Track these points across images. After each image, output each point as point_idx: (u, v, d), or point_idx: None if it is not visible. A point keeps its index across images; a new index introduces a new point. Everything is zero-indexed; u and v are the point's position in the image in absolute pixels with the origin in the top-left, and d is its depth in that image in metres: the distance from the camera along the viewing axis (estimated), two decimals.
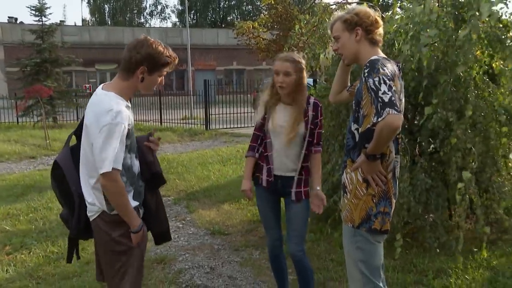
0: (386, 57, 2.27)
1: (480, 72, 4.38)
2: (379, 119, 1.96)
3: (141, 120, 16.45)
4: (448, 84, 4.07)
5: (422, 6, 4.20)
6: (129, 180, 2.26)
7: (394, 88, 2.03)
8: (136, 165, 2.32)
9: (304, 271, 3.06)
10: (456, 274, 3.63)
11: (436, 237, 4.09)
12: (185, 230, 5.04)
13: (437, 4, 4.27)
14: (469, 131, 4.06)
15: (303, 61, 2.97)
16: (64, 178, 2.32)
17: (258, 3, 51.93)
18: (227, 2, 51.20)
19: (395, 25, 4.54)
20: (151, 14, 55.81)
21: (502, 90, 4.49)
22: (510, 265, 3.78)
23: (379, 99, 1.98)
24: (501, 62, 4.50)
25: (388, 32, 4.55)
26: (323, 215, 3.96)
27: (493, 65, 4.58)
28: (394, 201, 2.28)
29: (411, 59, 4.24)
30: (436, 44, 4.42)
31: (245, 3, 51.46)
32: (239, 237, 4.82)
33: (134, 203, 2.29)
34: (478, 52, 4.34)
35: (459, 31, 4.08)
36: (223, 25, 48.10)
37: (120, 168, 2.15)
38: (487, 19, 4.11)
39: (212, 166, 8.64)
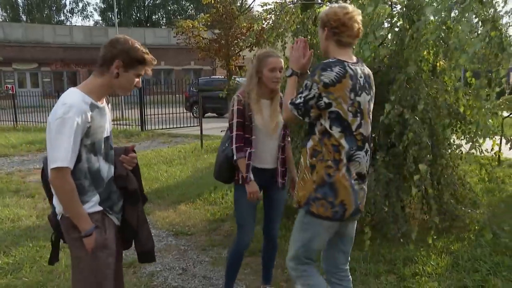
0: (344, 60, 2.33)
1: (427, 71, 4.69)
2: (288, 102, 2.38)
3: None
4: (403, 81, 4.30)
5: (373, 7, 4.40)
6: (93, 183, 2.16)
7: (315, 92, 2.28)
8: (105, 169, 2.21)
9: (275, 250, 3.41)
10: (422, 261, 3.86)
11: (398, 227, 4.31)
12: None
13: (388, 5, 4.49)
14: (422, 125, 4.33)
15: None
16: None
17: (183, 3, 51.46)
18: (152, 1, 50.16)
19: None
20: (71, 11, 53.48)
21: (448, 89, 4.84)
22: (465, 250, 4.08)
23: (298, 97, 2.35)
24: (443, 61, 4.85)
25: None
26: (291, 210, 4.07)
27: (437, 64, 4.93)
28: (346, 193, 2.34)
29: (368, 59, 4.46)
30: (385, 44, 4.68)
31: (170, 2, 50.71)
32: (203, 236, 4.76)
33: (97, 208, 2.17)
34: (424, 52, 4.64)
35: (410, 31, 4.34)
36: (148, 24, 47.08)
37: (69, 166, 2.03)
38: (432, 20, 4.43)
39: (158, 167, 8.45)
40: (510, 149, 4.56)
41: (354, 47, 4.29)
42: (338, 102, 2.27)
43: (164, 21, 51.25)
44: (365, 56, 4.23)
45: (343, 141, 2.32)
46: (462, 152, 5.01)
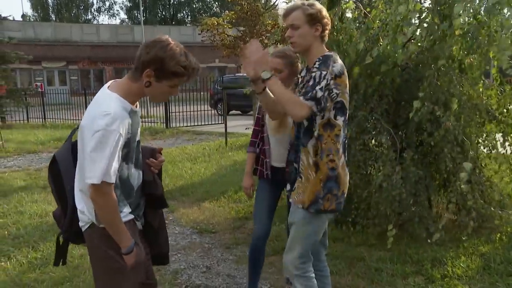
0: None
1: (456, 67, 4.57)
2: (301, 98, 2.25)
3: None
4: (433, 77, 4.19)
5: (405, 4, 4.30)
6: (124, 193, 2.01)
7: (332, 86, 2.28)
8: (135, 176, 2.07)
9: None
10: (452, 263, 3.75)
11: (425, 227, 4.21)
12: (171, 230, 4.90)
13: (419, 1, 4.38)
14: (455, 122, 4.21)
15: (294, 54, 2.95)
16: (60, 175, 2.07)
17: (208, 0, 51.69)
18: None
19: (379, 22, 4.62)
20: (98, 10, 54.40)
21: (480, 87, 4.70)
22: (497, 252, 3.95)
23: (314, 90, 2.25)
24: (471, 58, 4.70)
25: (372, 27, 4.62)
26: None
27: (466, 60, 4.77)
28: (345, 182, 2.44)
29: (396, 55, 4.35)
30: (413, 41, 4.56)
31: (195, 0, 51.01)
32: (227, 234, 4.75)
33: (129, 217, 2.05)
34: (454, 48, 4.51)
35: (441, 27, 4.22)
36: (173, 22, 47.48)
37: (112, 181, 1.87)
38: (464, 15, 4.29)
39: (183, 164, 8.48)
40: None
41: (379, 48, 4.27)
42: (343, 92, 2.35)
43: (189, 19, 51.61)
44: (400, 58, 4.12)
45: (341, 131, 2.40)
46: (491, 152, 4.87)
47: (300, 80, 2.57)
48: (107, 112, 1.83)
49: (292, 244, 2.52)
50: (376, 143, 4.58)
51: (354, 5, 4.83)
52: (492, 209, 4.41)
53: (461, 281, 3.49)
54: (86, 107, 13.44)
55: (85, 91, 16.83)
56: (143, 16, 44.67)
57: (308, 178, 2.41)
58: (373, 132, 4.52)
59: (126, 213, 2.03)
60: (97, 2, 64.43)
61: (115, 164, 1.87)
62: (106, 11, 62.67)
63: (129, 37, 32.48)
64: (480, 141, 4.72)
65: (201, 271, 3.88)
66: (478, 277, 3.54)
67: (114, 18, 77.43)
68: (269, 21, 10.20)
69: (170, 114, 14.58)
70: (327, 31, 2.44)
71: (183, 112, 14.67)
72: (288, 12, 2.44)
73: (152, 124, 14.91)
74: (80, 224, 2.04)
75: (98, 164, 1.82)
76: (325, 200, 2.38)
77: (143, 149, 2.18)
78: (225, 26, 10.03)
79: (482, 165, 4.80)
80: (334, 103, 2.34)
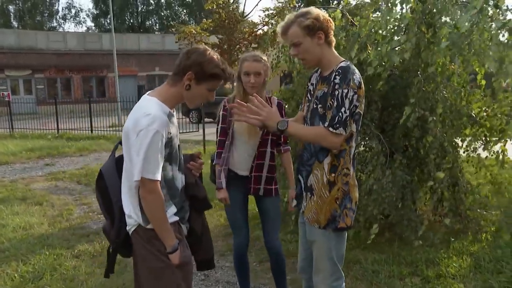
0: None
1: (440, 74, 4.74)
2: (331, 129, 2.17)
3: (69, 128, 15.65)
4: (421, 84, 4.34)
5: (396, 12, 4.45)
6: (169, 193, 2.13)
7: (356, 102, 2.19)
8: (179, 178, 2.19)
9: (280, 262, 3.20)
10: (444, 263, 3.87)
11: (414, 229, 4.33)
12: None
13: (409, 11, 4.53)
14: (441, 128, 4.38)
15: (266, 59, 3.06)
16: (107, 189, 2.18)
17: (176, 8, 51.45)
18: (145, 7, 50.10)
19: (369, 29, 4.74)
20: (64, 18, 53.10)
21: (462, 92, 4.89)
22: (485, 251, 4.11)
23: (340, 114, 2.17)
24: (453, 64, 4.89)
25: (360, 35, 4.75)
26: None
27: (447, 67, 4.96)
28: (356, 194, 2.36)
29: (383, 63, 4.47)
30: (402, 47, 4.71)
31: (163, 8, 50.70)
32: (220, 242, 4.75)
33: (174, 218, 2.15)
34: (434, 56, 4.68)
35: (428, 35, 4.39)
36: (141, 30, 47.01)
37: (158, 178, 2.01)
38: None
39: None
40: None
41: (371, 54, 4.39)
42: (361, 102, 2.25)
43: (157, 27, 51.22)
44: (395, 62, 4.21)
45: (354, 141, 2.32)
46: (469, 156, 5.08)
47: (312, 88, 2.45)
48: (147, 113, 1.98)
49: (319, 264, 2.42)
50: (366, 148, 4.70)
51: (341, 13, 4.95)
52: (478, 210, 4.58)
53: (456, 280, 3.61)
54: (56, 116, 13.12)
55: (55, 100, 16.44)
56: (113, 24, 44.17)
57: (322, 196, 2.31)
58: (363, 138, 4.64)
59: (171, 214, 2.13)
60: (62, 9, 63.15)
61: (159, 163, 1.99)
62: (72, 19, 61.38)
63: (97, 45, 31.91)
64: (462, 145, 4.91)
65: (200, 279, 3.88)
66: (471, 275, 3.68)
67: (81, 25, 75.81)
68: (246, 29, 10.26)
69: None
70: (331, 34, 2.31)
71: None
72: (284, 31, 2.31)
73: None
74: (128, 228, 2.13)
75: (143, 161, 1.95)
76: (343, 217, 2.31)
77: (184, 156, 2.28)
78: (203, 34, 10.04)
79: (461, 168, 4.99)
80: (355, 115, 2.24)
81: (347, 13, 4.99)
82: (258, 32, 10.19)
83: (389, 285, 3.59)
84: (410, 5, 4.43)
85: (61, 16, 51.50)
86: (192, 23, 37.66)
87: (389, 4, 4.69)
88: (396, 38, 4.44)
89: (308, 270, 2.59)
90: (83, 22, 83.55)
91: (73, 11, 62.70)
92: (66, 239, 4.93)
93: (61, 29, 48.88)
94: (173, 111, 2.17)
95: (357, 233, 4.48)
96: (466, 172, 5.19)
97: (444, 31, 4.18)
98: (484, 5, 4.14)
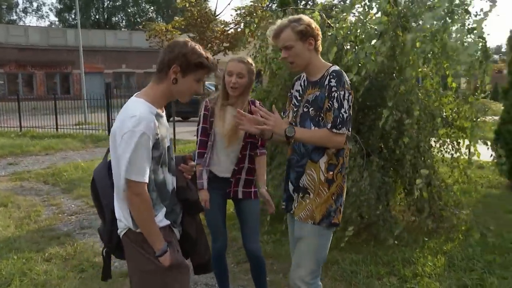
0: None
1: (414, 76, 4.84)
2: (334, 130, 2.28)
3: (33, 126, 15.17)
4: (398, 87, 4.41)
5: (371, 15, 4.51)
6: (160, 196, 2.08)
7: (351, 103, 2.32)
8: (169, 180, 2.15)
9: (260, 265, 3.19)
10: (420, 262, 3.95)
11: (390, 230, 4.40)
12: None
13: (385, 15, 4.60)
14: (416, 129, 4.46)
15: (251, 62, 3.03)
16: (98, 192, 2.14)
17: (143, 5, 50.70)
18: (111, 3, 49.10)
19: (346, 32, 4.78)
20: (25, 11, 51.51)
21: (433, 94, 5.00)
22: (458, 250, 4.22)
23: (341, 114, 2.28)
24: (425, 67, 5.00)
25: (337, 37, 4.78)
26: (277, 215, 4.11)
27: (419, 70, 5.07)
28: (345, 193, 2.49)
29: (359, 65, 4.52)
30: (378, 50, 4.77)
31: (130, 4, 49.84)
32: None
33: (165, 222, 2.10)
34: (410, 58, 4.78)
35: (402, 38, 4.47)
36: (107, 26, 46.07)
37: (145, 181, 1.96)
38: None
39: None
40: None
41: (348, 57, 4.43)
42: (353, 103, 2.38)
43: (124, 24, 50.33)
44: (372, 69, 4.25)
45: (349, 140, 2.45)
46: (443, 156, 5.21)
47: (297, 94, 2.52)
48: (133, 114, 1.95)
49: (301, 260, 2.44)
50: None
51: (319, 16, 4.97)
52: (451, 210, 4.70)
53: (432, 279, 3.69)
54: (19, 113, 12.62)
55: (18, 96, 15.90)
56: (76, 20, 43.13)
57: (320, 194, 2.37)
58: None
59: (161, 218, 2.08)
60: (23, 2, 61.08)
61: (145, 165, 1.95)
62: (34, 12, 59.58)
63: (61, 41, 31.05)
64: (436, 146, 5.03)
65: None
66: (446, 274, 3.77)
67: (43, 20, 73.62)
68: (218, 28, 10.19)
69: (112, 120, 14.11)
70: (319, 42, 2.43)
71: None
72: (277, 34, 2.39)
73: (94, 131, 14.37)
74: (119, 231, 2.09)
75: (129, 164, 1.92)
76: (337, 213, 2.39)
77: (176, 158, 2.24)
78: (174, 32, 9.91)
79: (437, 168, 5.11)
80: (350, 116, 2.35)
81: (323, 15, 5.01)
82: (230, 31, 10.12)
83: (368, 285, 3.63)
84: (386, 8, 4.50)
85: (21, 9, 49.81)
86: (160, 21, 37.13)
87: (366, 7, 4.76)
88: (371, 43, 4.50)
89: None
90: (45, 16, 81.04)
91: (35, 4, 60.80)
92: (35, 242, 4.76)
93: (21, 23, 47.30)
94: (163, 111, 2.12)
95: (333, 234, 4.50)
96: (443, 173, 5.31)
97: (418, 34, 4.25)
98: (454, 8, 4.26)
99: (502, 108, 6.94)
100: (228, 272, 3.37)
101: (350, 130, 2.36)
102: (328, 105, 2.30)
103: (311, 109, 2.39)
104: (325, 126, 2.32)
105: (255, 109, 2.35)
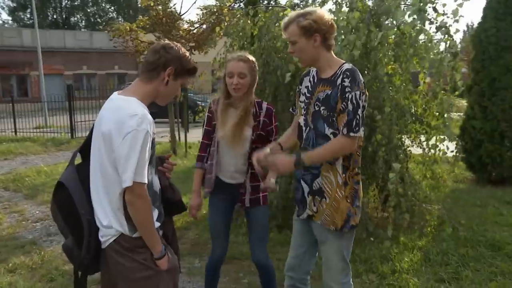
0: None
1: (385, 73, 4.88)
2: (351, 134, 2.20)
3: None
4: (371, 83, 4.44)
5: (344, 11, 4.52)
6: (151, 198, 1.98)
7: (365, 102, 2.26)
8: (156, 182, 2.07)
9: (269, 273, 3.04)
10: (398, 258, 3.98)
11: (365, 227, 4.42)
12: None
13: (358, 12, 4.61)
14: (388, 125, 4.49)
15: (254, 60, 2.83)
16: (70, 201, 1.97)
17: (104, 5, 49.60)
18: (69, 2, 47.75)
19: None
20: None
21: (407, 91, 5.06)
22: (432, 244, 4.28)
23: (357, 115, 2.21)
24: (395, 64, 5.06)
25: None
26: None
27: (389, 67, 5.13)
28: (361, 192, 2.42)
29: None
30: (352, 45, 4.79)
31: (89, 4, 48.64)
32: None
33: (157, 224, 2.03)
34: (380, 54, 4.82)
35: (373, 35, 4.50)
36: (65, 26, 44.80)
37: (146, 181, 1.89)
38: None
39: None
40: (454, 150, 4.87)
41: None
42: (367, 102, 2.30)
43: (83, 24, 49.07)
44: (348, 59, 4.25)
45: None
46: (411, 152, 5.29)
47: (306, 91, 2.44)
48: (134, 113, 1.87)
49: (330, 262, 2.43)
50: None
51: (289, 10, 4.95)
52: (423, 205, 4.76)
53: (410, 274, 3.72)
54: None
55: None
56: (31, 19, 41.59)
57: (336, 198, 2.31)
58: None
59: (154, 220, 2.01)
60: None
61: (146, 165, 1.89)
62: None
63: (16, 41, 29.87)
64: (406, 142, 5.09)
65: None
66: (423, 269, 3.81)
67: None
68: (185, 27, 10.03)
69: (76, 123, 13.69)
70: (331, 38, 2.32)
71: (89, 121, 13.85)
72: (285, 27, 2.34)
73: (56, 134, 13.88)
74: (104, 239, 1.96)
75: (134, 165, 1.83)
76: (355, 215, 2.35)
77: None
78: (139, 32, 9.67)
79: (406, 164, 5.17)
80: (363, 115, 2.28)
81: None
82: (195, 31, 9.97)
83: None
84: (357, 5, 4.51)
85: None
86: (121, 21, 36.40)
87: (337, 5, 4.77)
88: (344, 37, 4.51)
89: (296, 269, 2.58)
90: None
91: None
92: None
93: None
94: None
95: None
96: (413, 169, 5.39)
97: (392, 32, 4.29)
98: (422, 5, 4.31)
99: (466, 104, 7.13)
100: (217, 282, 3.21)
101: (363, 130, 2.31)
102: (342, 107, 2.21)
103: (322, 108, 2.30)
104: (338, 129, 2.24)
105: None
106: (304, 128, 2.41)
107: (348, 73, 2.21)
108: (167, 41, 2.10)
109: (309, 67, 2.49)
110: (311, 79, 2.43)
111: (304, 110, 2.42)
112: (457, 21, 4.34)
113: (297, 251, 2.58)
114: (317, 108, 2.33)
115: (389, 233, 4.18)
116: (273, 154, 2.40)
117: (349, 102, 2.19)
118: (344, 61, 2.35)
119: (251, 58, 2.82)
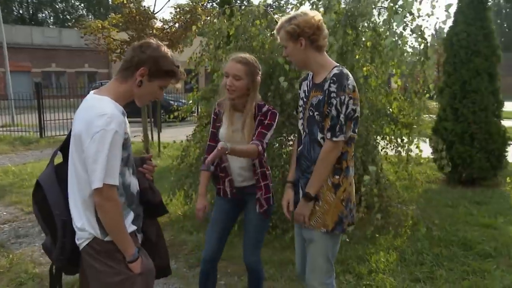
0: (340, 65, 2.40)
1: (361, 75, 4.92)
2: (334, 139, 2.23)
3: None
4: None
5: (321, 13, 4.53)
6: (127, 200, 1.95)
7: (353, 106, 2.24)
8: (134, 183, 2.01)
9: (258, 278, 2.99)
10: (374, 259, 4.01)
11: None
12: None
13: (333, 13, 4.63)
14: (365, 127, 4.54)
15: (257, 64, 2.74)
16: (46, 201, 1.91)
17: (73, 1, 48.60)
18: None
19: None
20: None
21: (382, 92, 5.12)
22: (407, 244, 4.34)
23: (340, 121, 2.23)
24: (370, 65, 5.11)
25: None
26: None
27: (364, 69, 5.17)
28: (354, 194, 2.44)
29: None
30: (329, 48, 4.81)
31: (58, 0, 47.55)
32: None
33: (132, 227, 1.97)
34: (356, 56, 4.86)
35: (351, 37, 4.53)
36: (32, 22, 43.66)
37: (116, 183, 1.84)
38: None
39: None
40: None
41: None
42: (358, 105, 2.29)
43: (51, 20, 47.91)
44: None
45: (354, 143, 2.38)
46: (387, 153, 5.36)
47: (304, 96, 2.44)
48: (103, 112, 1.81)
49: (315, 263, 2.43)
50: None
51: (264, 10, 4.91)
52: (398, 205, 4.82)
53: (386, 274, 3.75)
54: None
55: None
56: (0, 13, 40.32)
57: (328, 200, 2.32)
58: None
59: (129, 223, 1.95)
60: None
61: (117, 166, 1.83)
62: None
63: None
64: (380, 143, 5.15)
65: None
66: (399, 269, 3.85)
67: None
68: (158, 25, 9.90)
69: (45, 122, 13.31)
70: (318, 40, 2.30)
71: (58, 120, 13.50)
72: (277, 33, 2.39)
73: (24, 133, 13.48)
74: (79, 242, 1.91)
75: (102, 166, 1.78)
76: (348, 218, 2.36)
77: (134, 160, 2.09)
78: (111, 30, 9.48)
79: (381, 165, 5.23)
80: (353, 119, 2.27)
81: (270, 12, 4.97)
82: (169, 30, 9.87)
83: None
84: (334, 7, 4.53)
85: None
86: (91, 18, 35.75)
87: (313, 5, 4.78)
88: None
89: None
90: None
91: None
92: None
93: None
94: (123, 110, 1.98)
95: (284, 233, 4.47)
96: (387, 170, 5.46)
97: (369, 33, 4.33)
98: (398, 9, 4.37)
99: (438, 106, 7.26)
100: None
101: (356, 132, 2.34)
102: (327, 112, 2.25)
103: (315, 113, 2.32)
104: (322, 133, 2.28)
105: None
106: (302, 133, 2.44)
107: (335, 78, 2.23)
108: (149, 40, 2.01)
109: (304, 70, 2.52)
110: (308, 83, 2.45)
111: (302, 115, 2.45)
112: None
113: (303, 255, 2.58)
114: (311, 113, 2.35)
115: (369, 233, 4.23)
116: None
117: (333, 107, 2.22)
118: (335, 64, 2.35)
119: (252, 61, 2.73)
